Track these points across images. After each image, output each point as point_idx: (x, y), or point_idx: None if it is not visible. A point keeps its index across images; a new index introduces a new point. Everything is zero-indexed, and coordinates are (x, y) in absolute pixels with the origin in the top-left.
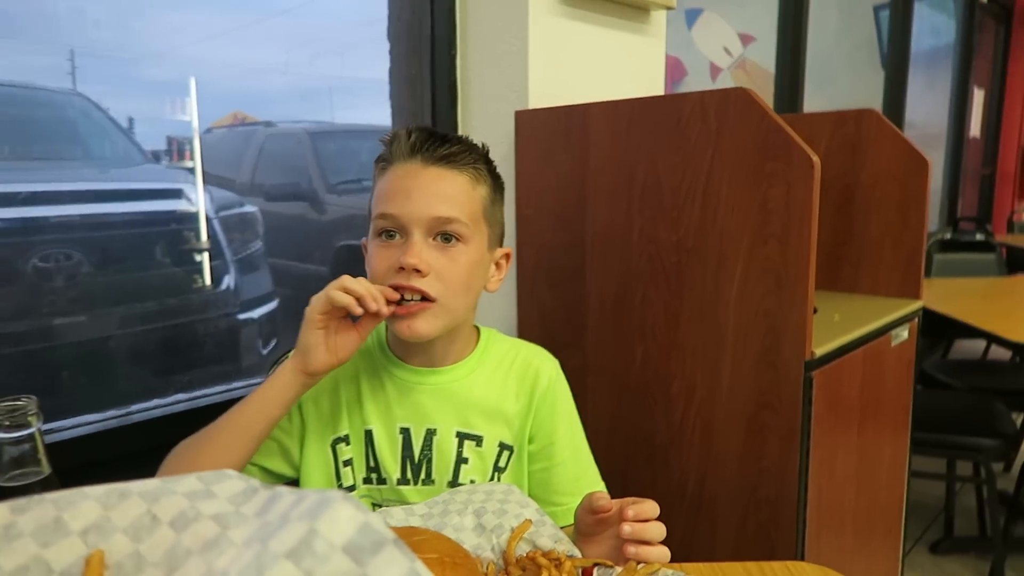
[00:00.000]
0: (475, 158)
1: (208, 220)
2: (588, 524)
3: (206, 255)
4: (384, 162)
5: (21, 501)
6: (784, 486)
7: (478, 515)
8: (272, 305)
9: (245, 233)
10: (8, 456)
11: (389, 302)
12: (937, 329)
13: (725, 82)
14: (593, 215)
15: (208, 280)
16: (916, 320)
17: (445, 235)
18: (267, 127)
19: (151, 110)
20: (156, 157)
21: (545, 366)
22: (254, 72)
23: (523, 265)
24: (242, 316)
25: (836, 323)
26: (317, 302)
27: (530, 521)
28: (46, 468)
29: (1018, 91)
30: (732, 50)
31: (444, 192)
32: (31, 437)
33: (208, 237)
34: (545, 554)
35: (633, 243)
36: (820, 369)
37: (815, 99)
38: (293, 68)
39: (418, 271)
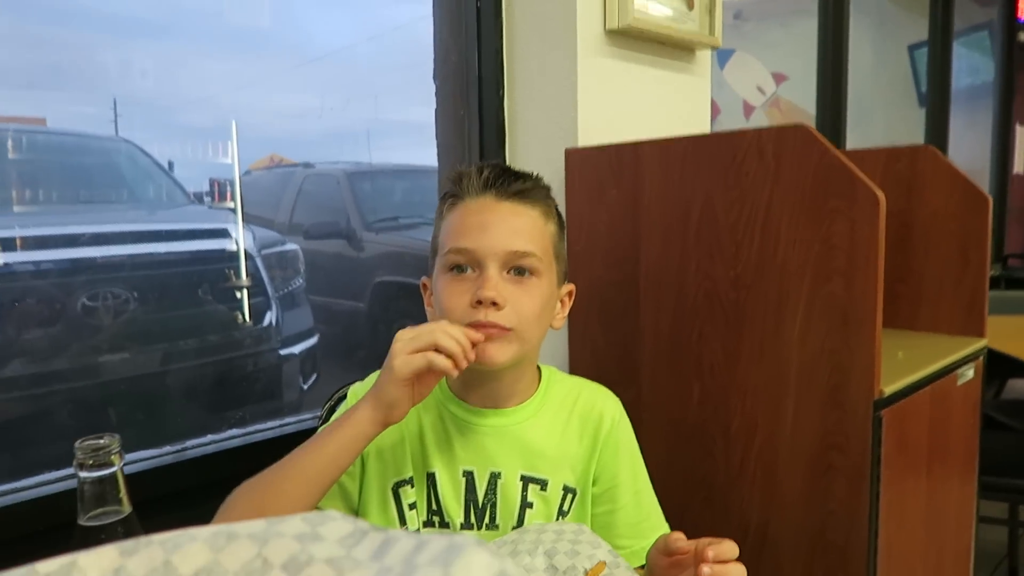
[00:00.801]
0: (546, 194)
1: (250, 258)
2: (663, 567)
3: (246, 292)
4: (454, 198)
5: (129, 543)
6: (853, 530)
7: (549, 556)
8: (313, 341)
9: (286, 270)
10: (90, 495)
11: (473, 345)
12: (991, 368)
13: (759, 120)
14: (647, 252)
15: (250, 317)
16: (981, 359)
17: (519, 269)
18: (306, 168)
19: (193, 154)
20: (199, 198)
21: (608, 406)
22: (290, 116)
23: (575, 302)
24: (284, 352)
25: (900, 361)
26: (412, 363)
27: (604, 563)
28: (127, 507)
29: None
30: (765, 88)
31: (519, 226)
32: (113, 476)
33: (250, 274)
34: None
35: (688, 280)
36: (889, 408)
37: (852, 137)
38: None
39: (495, 304)
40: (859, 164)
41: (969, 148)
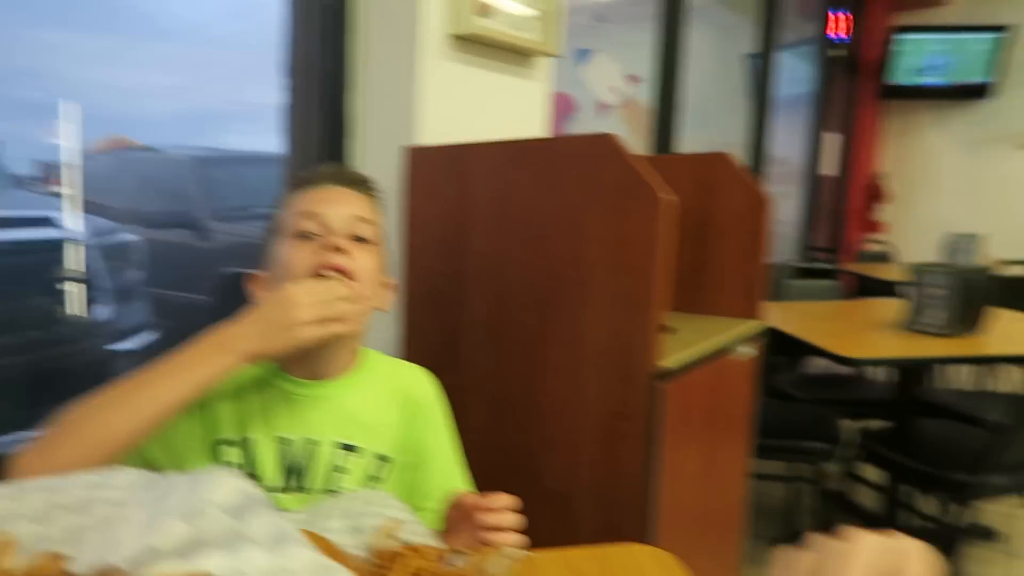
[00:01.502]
0: (378, 192)
1: (83, 248)
2: (454, 520)
3: (77, 284)
4: (300, 185)
5: None
6: (638, 489)
7: (351, 518)
8: (150, 336)
9: (124, 262)
10: None
11: None
12: (789, 348)
13: (613, 119)
14: (474, 245)
15: (80, 310)
16: (761, 338)
17: (359, 237)
18: (151, 152)
19: (24, 132)
20: (28, 182)
21: (425, 384)
22: (139, 95)
23: (411, 293)
24: (118, 347)
25: (687, 341)
26: (319, 332)
27: (397, 521)
28: None
29: (864, 137)
30: (620, 89)
31: (360, 204)
32: None
33: (82, 266)
34: (407, 545)
35: (509, 271)
36: (670, 381)
37: (700, 136)
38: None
39: (340, 251)
40: (672, 168)
41: (795, 150)
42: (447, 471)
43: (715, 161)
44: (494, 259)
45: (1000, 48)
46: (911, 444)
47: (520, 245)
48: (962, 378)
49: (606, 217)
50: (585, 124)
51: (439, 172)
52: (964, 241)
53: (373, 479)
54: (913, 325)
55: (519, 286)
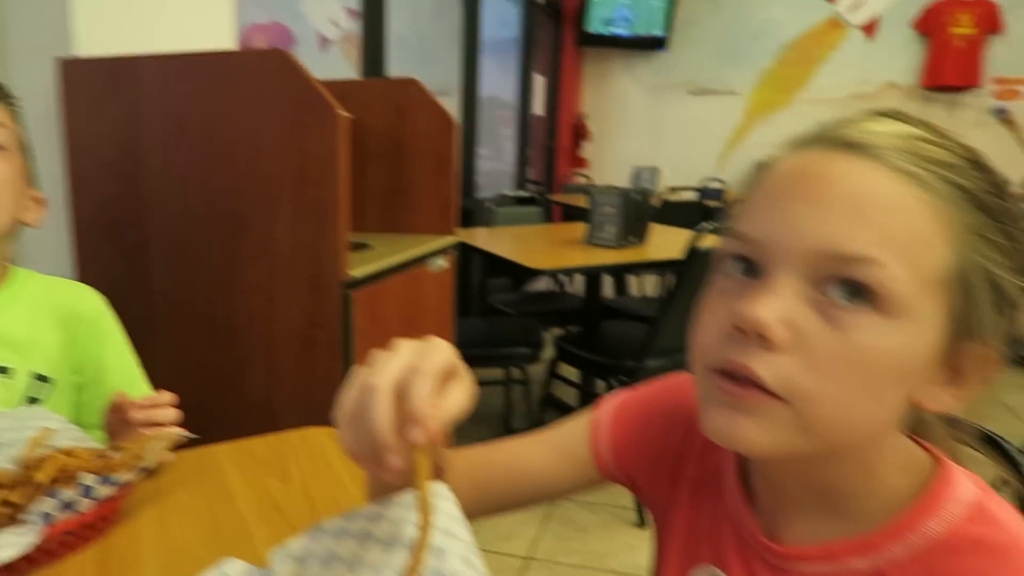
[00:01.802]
0: (13, 99)
1: None
2: (114, 424)
3: None
4: None
5: None
6: (332, 392)
7: None
8: None
9: None
10: None
11: None
12: (501, 268)
13: (333, 54)
14: (150, 166)
15: None
16: (453, 252)
17: None
18: None
19: None
20: None
21: (87, 300)
22: None
23: (80, 218)
24: None
25: (381, 255)
26: None
27: (50, 429)
28: None
29: (568, 80)
30: (340, 23)
31: None
32: None
33: None
34: (58, 449)
35: (192, 191)
36: (359, 290)
37: (419, 74)
38: None
39: None
40: (365, 92)
41: (511, 91)
42: (124, 385)
43: (406, 86)
44: (173, 178)
45: (671, 5)
46: (596, 342)
47: (200, 163)
48: (648, 287)
49: (286, 134)
50: (305, 58)
51: (102, 88)
52: (646, 172)
53: (32, 401)
54: (591, 240)
55: (203, 205)
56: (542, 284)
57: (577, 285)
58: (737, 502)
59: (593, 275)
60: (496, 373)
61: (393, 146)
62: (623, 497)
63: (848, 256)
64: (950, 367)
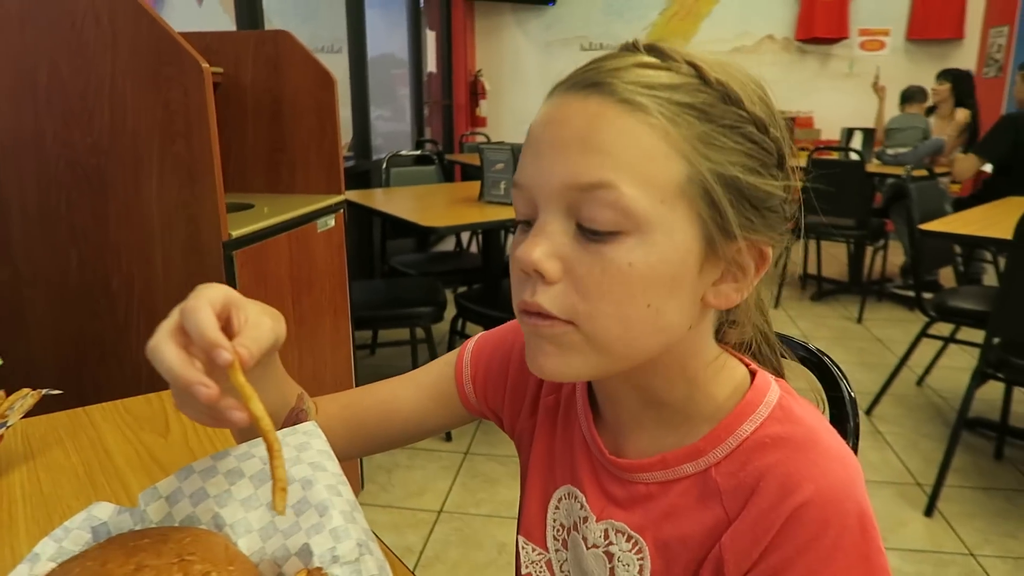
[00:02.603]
0: None
1: None
2: None
3: None
4: None
5: None
6: None
7: None
8: None
9: None
10: None
11: None
12: (402, 230)
13: (211, 8)
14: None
15: None
16: (342, 211)
17: None
18: None
19: None
20: None
21: None
22: None
23: None
24: None
25: (265, 214)
26: None
27: None
28: None
29: (460, 36)
30: None
31: None
32: None
33: None
34: None
35: (47, 149)
36: (241, 250)
37: (304, 31)
38: None
39: None
40: (236, 45)
41: (401, 48)
42: None
43: (279, 38)
44: (26, 137)
45: None
46: (497, 299)
47: (55, 118)
48: None
49: (146, 87)
50: (179, 13)
51: None
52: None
53: None
54: (486, 197)
55: (63, 165)
56: (445, 246)
57: (480, 244)
58: (587, 424)
59: (491, 232)
60: (401, 334)
61: (271, 103)
62: None
63: (586, 185)
64: (726, 265)
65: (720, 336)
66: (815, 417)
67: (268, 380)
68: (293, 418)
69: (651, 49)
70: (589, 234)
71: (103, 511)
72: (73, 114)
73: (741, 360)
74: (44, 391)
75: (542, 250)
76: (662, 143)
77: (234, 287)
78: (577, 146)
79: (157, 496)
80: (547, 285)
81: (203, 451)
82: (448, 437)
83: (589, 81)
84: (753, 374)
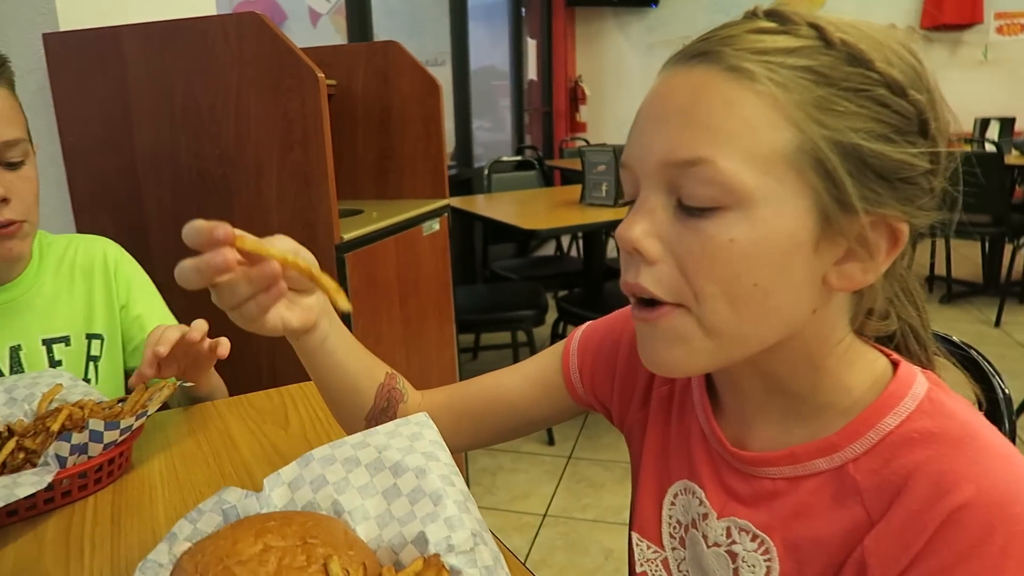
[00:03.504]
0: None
1: None
2: (179, 358)
3: None
4: None
5: None
6: None
7: (8, 391)
8: None
9: None
10: None
11: None
12: (503, 235)
13: (324, 27)
14: (140, 137)
15: None
16: (446, 215)
17: (10, 163)
18: None
19: None
20: None
21: (105, 249)
22: None
23: (77, 195)
24: None
25: (374, 219)
26: None
27: (60, 385)
28: None
29: (560, 42)
30: None
31: (2, 111)
32: None
33: None
34: (68, 403)
35: (181, 161)
36: (352, 252)
37: (410, 45)
38: None
39: (4, 200)
40: (348, 57)
41: (501, 57)
42: (157, 321)
43: (388, 49)
44: (164, 150)
45: None
46: (598, 301)
47: (188, 132)
48: None
49: (267, 98)
50: (297, 33)
51: (89, 60)
52: None
53: (91, 359)
54: (587, 200)
55: (195, 175)
56: (546, 250)
57: (580, 249)
58: (705, 414)
59: (592, 235)
60: (503, 337)
61: (380, 112)
62: None
63: (682, 161)
64: (849, 242)
65: (861, 327)
66: (971, 412)
67: (337, 351)
68: (385, 394)
69: (771, 14)
70: (689, 210)
71: (232, 495)
72: (203, 127)
73: (882, 351)
74: (179, 382)
75: (641, 228)
76: (770, 111)
77: (345, 289)
78: (677, 120)
79: (280, 482)
80: (649, 265)
81: (320, 442)
82: (551, 441)
83: (698, 51)
84: (895, 365)
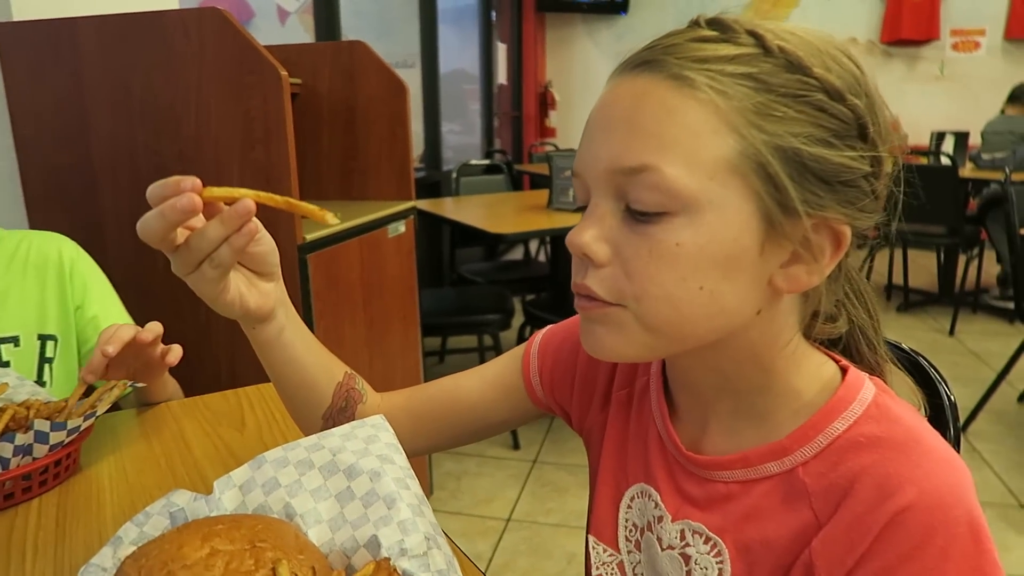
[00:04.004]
0: None
1: None
2: (128, 360)
3: None
4: None
5: None
6: None
7: None
8: None
9: None
10: None
11: None
12: (471, 239)
13: (293, 26)
14: (97, 132)
15: None
16: (412, 217)
17: None
18: None
19: None
20: None
21: (61, 247)
22: None
23: (30, 190)
24: None
25: (338, 219)
26: None
27: (7, 384)
28: None
29: (530, 46)
30: None
31: None
32: None
33: None
34: (12, 404)
35: (139, 157)
36: (315, 253)
37: (379, 47)
38: None
39: None
40: (313, 56)
41: (472, 61)
42: (111, 319)
43: (353, 49)
44: (121, 146)
45: None
46: (564, 306)
47: (146, 128)
48: None
49: (229, 95)
50: (264, 31)
51: (43, 52)
52: None
53: (45, 361)
54: (555, 205)
55: (153, 172)
56: (514, 254)
57: (548, 253)
58: (662, 418)
59: (559, 239)
60: (470, 341)
61: (346, 112)
62: None
63: (628, 169)
64: (793, 245)
65: (809, 329)
66: (916, 417)
67: (294, 345)
68: (343, 394)
69: (712, 22)
70: (637, 215)
71: (181, 498)
72: (162, 123)
73: (830, 356)
74: (130, 383)
75: (590, 234)
76: (711, 118)
77: (308, 290)
78: (622, 128)
79: (231, 485)
80: (597, 268)
81: (276, 444)
82: (516, 445)
83: (642, 60)
84: (844, 371)
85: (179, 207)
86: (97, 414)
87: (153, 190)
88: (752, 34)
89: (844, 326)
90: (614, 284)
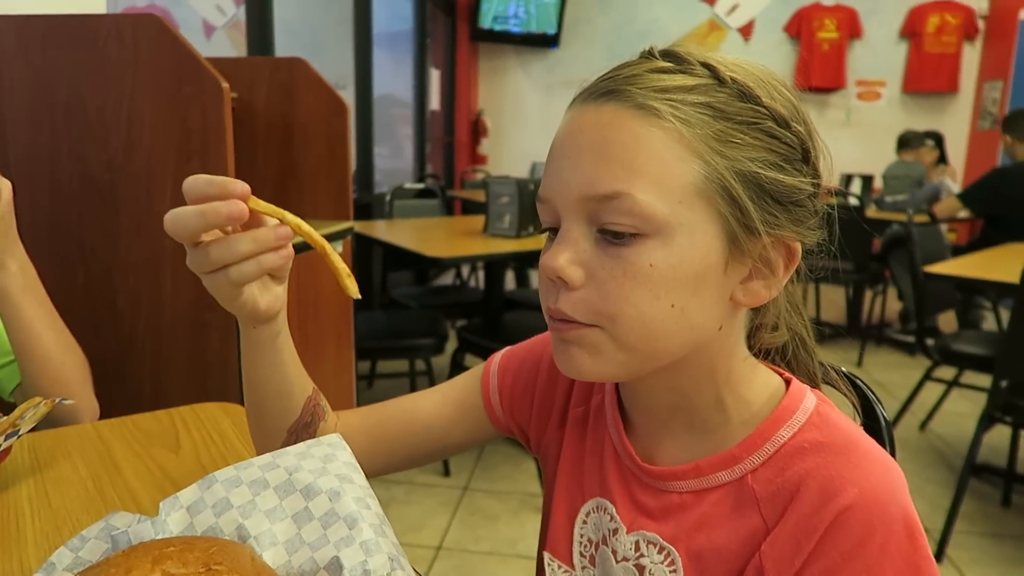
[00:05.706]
0: None
1: None
2: None
3: None
4: None
5: None
6: (226, 377)
7: None
8: None
9: None
10: None
11: None
12: (403, 262)
13: (219, 41)
14: (14, 136)
15: None
16: (349, 237)
17: None
18: None
19: None
20: None
21: None
22: None
23: None
24: None
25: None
26: None
27: None
28: None
29: (464, 74)
30: (225, 9)
31: None
32: None
33: None
34: None
35: (62, 164)
36: None
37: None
38: None
39: None
40: (251, 71)
41: (407, 86)
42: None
43: (292, 66)
44: (42, 151)
45: (562, 4)
46: (498, 332)
47: (71, 134)
48: None
49: (164, 105)
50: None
51: None
52: (543, 168)
53: None
54: (490, 230)
55: (77, 181)
56: (445, 279)
57: (480, 279)
58: (617, 431)
59: (494, 265)
60: (400, 366)
61: (283, 129)
62: (531, 484)
63: (601, 196)
64: (753, 262)
65: (754, 340)
66: (853, 424)
67: (284, 349)
68: (311, 408)
69: (667, 54)
70: (610, 237)
71: (122, 520)
72: (90, 129)
73: (775, 370)
74: (57, 400)
75: (565, 257)
76: (676, 145)
77: None
78: (592, 156)
79: (178, 506)
80: (570, 291)
81: (215, 466)
82: (447, 471)
83: (605, 89)
84: (788, 382)
85: (224, 213)
86: (20, 433)
87: (196, 185)
88: (706, 65)
89: (785, 335)
90: (589, 306)
